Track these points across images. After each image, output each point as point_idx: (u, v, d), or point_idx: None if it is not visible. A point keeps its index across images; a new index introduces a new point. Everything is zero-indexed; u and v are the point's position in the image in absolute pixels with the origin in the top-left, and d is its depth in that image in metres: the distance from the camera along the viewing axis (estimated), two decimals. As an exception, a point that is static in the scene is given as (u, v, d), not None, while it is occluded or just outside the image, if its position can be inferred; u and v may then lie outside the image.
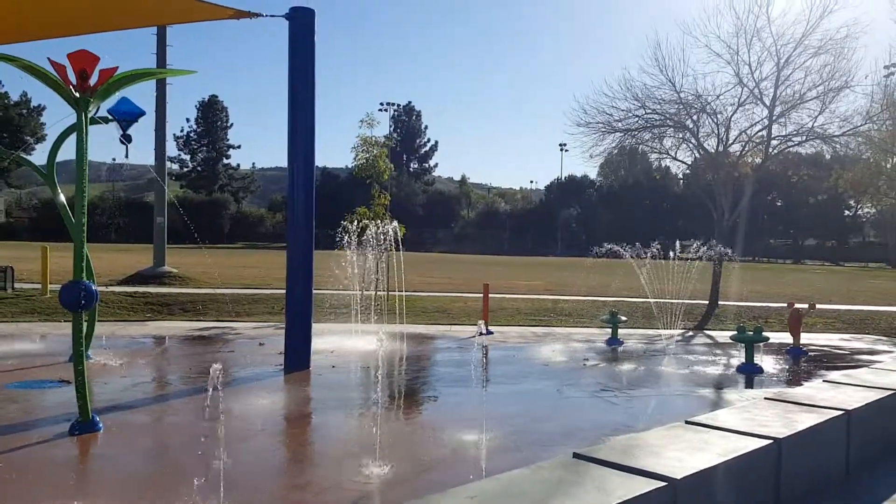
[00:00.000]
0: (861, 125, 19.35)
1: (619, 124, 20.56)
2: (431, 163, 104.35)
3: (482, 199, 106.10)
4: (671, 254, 15.98)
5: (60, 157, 8.88)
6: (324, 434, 6.98)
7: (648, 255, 15.11)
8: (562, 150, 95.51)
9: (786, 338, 13.14)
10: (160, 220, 23.28)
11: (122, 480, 5.34)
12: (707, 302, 18.27)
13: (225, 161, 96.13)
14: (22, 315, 14.53)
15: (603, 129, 20.65)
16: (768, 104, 19.11)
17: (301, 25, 9.82)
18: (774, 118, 19.22)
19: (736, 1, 19.31)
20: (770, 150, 20.12)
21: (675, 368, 10.85)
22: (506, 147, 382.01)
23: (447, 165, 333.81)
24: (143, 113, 8.82)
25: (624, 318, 14.04)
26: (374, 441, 5.88)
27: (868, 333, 15.91)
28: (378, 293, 16.41)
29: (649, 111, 20.13)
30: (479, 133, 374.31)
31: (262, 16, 9.32)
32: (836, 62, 18.42)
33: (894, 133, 20.20)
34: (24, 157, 13.18)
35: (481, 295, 15.33)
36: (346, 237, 13.99)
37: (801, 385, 7.59)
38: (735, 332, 11.14)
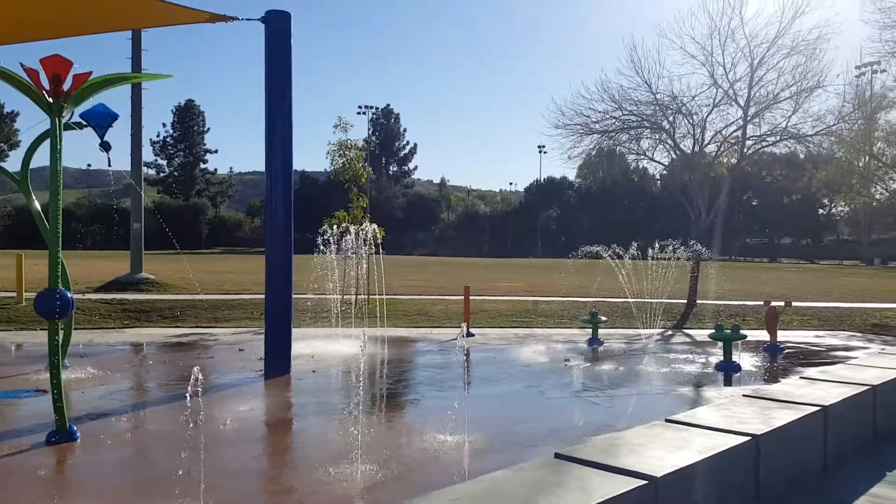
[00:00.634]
0: (833, 125, 19.69)
1: (597, 126, 20.74)
2: (411, 165, 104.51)
3: (462, 202, 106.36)
4: (650, 254, 16.13)
5: (35, 163, 8.75)
6: (305, 439, 6.94)
7: (627, 256, 15.24)
8: (540, 151, 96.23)
9: (763, 335, 13.30)
10: (137, 226, 23.04)
11: (100, 490, 5.27)
12: (685, 301, 18.45)
13: (202, 166, 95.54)
14: (-4, 324, 14.30)
15: (581, 131, 20.82)
16: (743, 105, 19.37)
17: (277, 29, 9.77)
18: (749, 118, 19.48)
19: (710, 2, 19.63)
20: (745, 150, 20.39)
21: (654, 367, 10.93)
22: (485, 149, 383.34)
23: (427, 168, 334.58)
24: (117, 117, 8.69)
25: (604, 319, 14.13)
26: (356, 445, 5.86)
27: (843, 330, 16.15)
28: (359, 297, 16.37)
29: (626, 113, 20.32)
30: (458, 135, 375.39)
31: (237, 19, 9.27)
32: (809, 63, 18.75)
33: (866, 132, 20.57)
34: (-3, 163, 12.96)
35: (462, 297, 15.35)
36: (326, 241, 13.94)
37: (779, 382, 7.68)
38: (713, 331, 11.25)
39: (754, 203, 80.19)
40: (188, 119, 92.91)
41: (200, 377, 4.98)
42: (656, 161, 22.80)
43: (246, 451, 6.31)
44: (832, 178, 23.05)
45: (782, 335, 13.71)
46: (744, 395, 5.22)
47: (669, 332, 15.68)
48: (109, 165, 8.36)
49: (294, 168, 10.70)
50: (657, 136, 20.92)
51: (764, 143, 21.06)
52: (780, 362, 11.77)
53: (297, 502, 5.04)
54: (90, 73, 6.75)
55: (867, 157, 21.36)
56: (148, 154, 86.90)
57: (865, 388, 5.64)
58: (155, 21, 10.06)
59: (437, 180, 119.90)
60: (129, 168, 23.00)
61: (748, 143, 20.28)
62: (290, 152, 10.11)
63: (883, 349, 13.05)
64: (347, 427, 6.81)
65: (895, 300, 21.63)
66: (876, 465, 5.09)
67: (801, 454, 4.71)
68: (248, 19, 9.54)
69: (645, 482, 3.22)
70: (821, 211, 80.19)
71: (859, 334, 15.56)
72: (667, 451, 3.69)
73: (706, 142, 20.19)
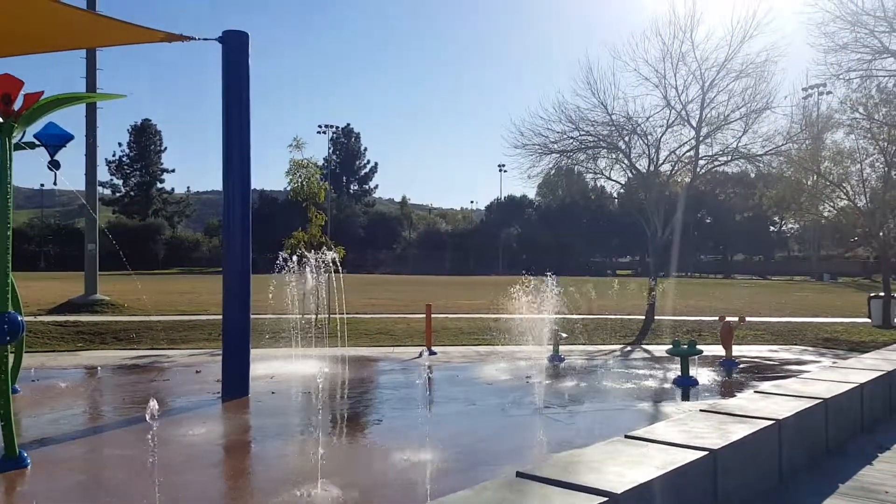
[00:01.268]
0: (782, 145, 20.34)
1: (555, 146, 21.07)
2: (372, 184, 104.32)
3: (423, 220, 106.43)
4: (608, 272, 16.34)
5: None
6: (264, 462, 6.83)
7: (586, 274, 15.40)
8: (500, 170, 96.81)
9: (718, 350, 13.55)
10: (91, 246, 22.55)
11: (52, 520, 5.11)
12: (643, 317, 18.71)
13: (159, 185, 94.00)
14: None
15: (539, 151, 21.13)
16: (695, 125, 19.88)
17: (234, 48, 9.72)
18: (701, 139, 19.99)
19: (662, 26, 20.10)
20: (698, 169, 20.90)
21: (614, 383, 11.05)
22: (446, 168, 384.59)
23: (387, 187, 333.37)
24: (71, 137, 8.55)
25: (565, 335, 14.24)
26: (317, 467, 5.79)
27: (795, 344, 16.54)
28: (319, 316, 16.22)
29: (583, 133, 20.68)
30: (418, 154, 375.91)
31: (194, 39, 9.19)
32: (757, 85, 19.37)
33: (813, 152, 21.24)
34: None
35: (424, 315, 15.32)
36: (285, 261, 13.80)
37: (735, 396, 7.83)
38: (670, 346, 11.43)
39: (708, 220, 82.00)
40: (144, 138, 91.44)
41: (156, 401, 4.88)
42: (613, 180, 23.27)
43: (204, 475, 6.18)
44: (782, 197, 23.69)
45: (737, 349, 13.99)
46: (701, 410, 5.30)
47: (629, 348, 15.88)
48: (55, 184, 8.22)
49: (253, 187, 10.60)
50: (614, 156, 21.34)
51: (716, 163, 21.62)
52: (735, 377, 11.99)
53: (257, 527, 4.95)
54: (42, 92, 6.63)
55: (815, 176, 22.02)
56: (104, 174, 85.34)
57: (817, 401, 5.78)
58: (109, 40, 9.94)
59: (398, 199, 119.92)
60: (83, 188, 22.54)
61: (701, 162, 20.81)
62: (249, 171, 10.02)
63: (834, 363, 13.35)
64: (308, 449, 6.73)
65: (845, 315, 22.24)
66: (829, 477, 5.22)
67: (756, 468, 4.80)
68: (205, 39, 9.48)
69: (605, 499, 3.25)
70: (772, 228, 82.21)
71: (811, 348, 15.95)
72: (626, 467, 3.73)
73: (661, 161, 20.66)
